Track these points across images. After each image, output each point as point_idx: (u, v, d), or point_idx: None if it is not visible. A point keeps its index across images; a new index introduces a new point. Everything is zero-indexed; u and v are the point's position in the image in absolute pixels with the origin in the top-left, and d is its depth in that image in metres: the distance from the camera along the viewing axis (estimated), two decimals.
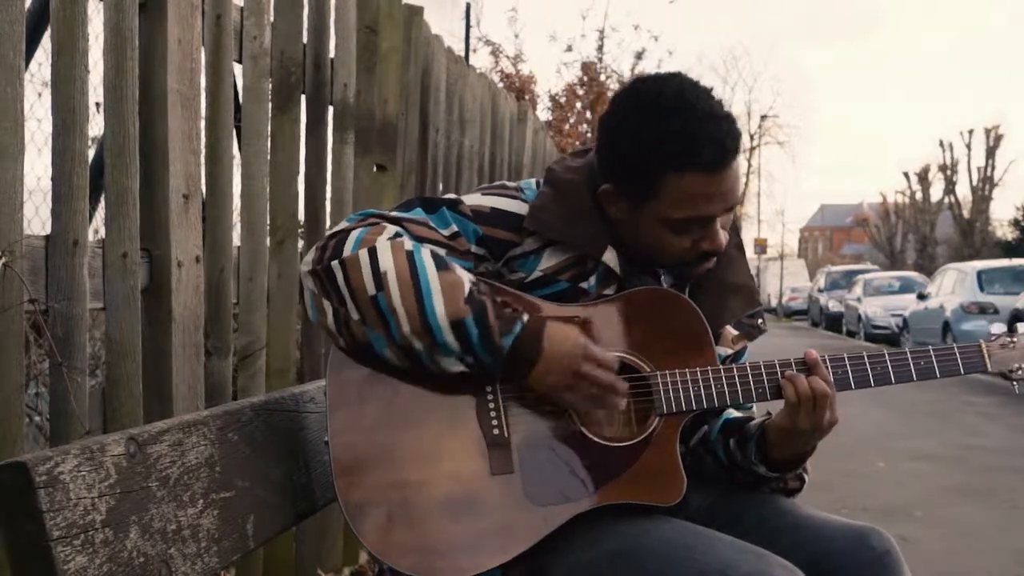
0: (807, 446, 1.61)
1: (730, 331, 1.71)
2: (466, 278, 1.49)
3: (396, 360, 1.47)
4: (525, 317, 1.47)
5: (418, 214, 1.59)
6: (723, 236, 1.57)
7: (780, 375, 1.59)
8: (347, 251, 1.48)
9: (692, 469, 1.72)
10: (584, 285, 1.61)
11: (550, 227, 1.60)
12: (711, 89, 1.55)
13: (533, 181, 1.68)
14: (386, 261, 1.46)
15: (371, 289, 1.45)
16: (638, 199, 1.56)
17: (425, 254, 1.49)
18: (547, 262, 1.61)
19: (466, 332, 1.44)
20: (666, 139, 1.50)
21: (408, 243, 1.50)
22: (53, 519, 1.02)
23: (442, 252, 1.55)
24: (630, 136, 1.54)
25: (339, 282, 1.47)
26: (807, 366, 1.59)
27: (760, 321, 1.77)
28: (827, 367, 1.59)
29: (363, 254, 1.47)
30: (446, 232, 1.58)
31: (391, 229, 1.53)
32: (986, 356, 1.64)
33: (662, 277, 1.67)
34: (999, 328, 1.74)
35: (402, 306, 1.44)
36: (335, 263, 1.48)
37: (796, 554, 1.46)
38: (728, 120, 1.53)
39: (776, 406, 1.65)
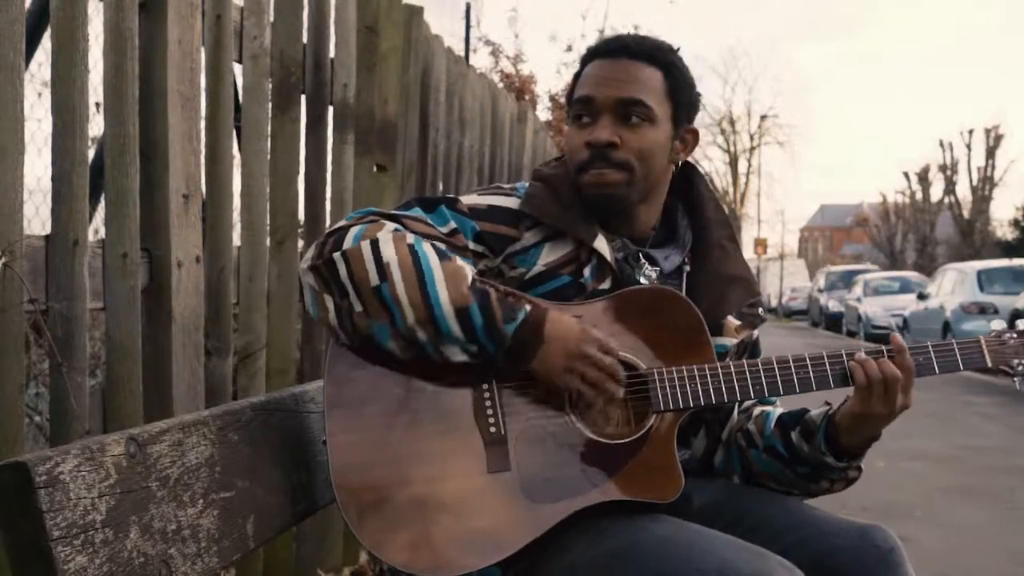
0: (877, 431, 1.61)
1: (732, 322, 1.72)
2: (468, 267, 1.51)
3: (399, 351, 1.48)
4: (527, 306, 1.49)
5: (416, 212, 1.60)
6: (609, 133, 1.62)
7: (789, 371, 1.59)
8: (348, 244, 1.49)
9: (713, 469, 1.74)
10: (581, 279, 1.62)
11: (543, 211, 1.62)
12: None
13: (527, 183, 1.70)
14: (388, 252, 1.47)
15: (374, 280, 1.46)
16: (568, 108, 1.73)
17: (426, 245, 1.50)
18: (548, 256, 1.62)
19: (471, 320, 1.45)
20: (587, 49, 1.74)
21: (409, 236, 1.51)
22: (53, 519, 1.02)
23: (442, 246, 1.56)
24: None
25: (341, 275, 1.47)
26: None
27: (760, 310, 1.79)
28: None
29: (365, 246, 1.48)
30: (444, 229, 1.59)
31: (390, 225, 1.54)
32: (985, 352, 1.63)
33: (646, 267, 1.68)
34: (999, 324, 1.73)
35: (406, 295, 1.45)
36: (337, 255, 1.48)
37: (800, 552, 1.46)
38: (639, 35, 1.70)
39: (792, 402, 1.65)
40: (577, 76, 1.72)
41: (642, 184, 1.65)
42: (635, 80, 1.64)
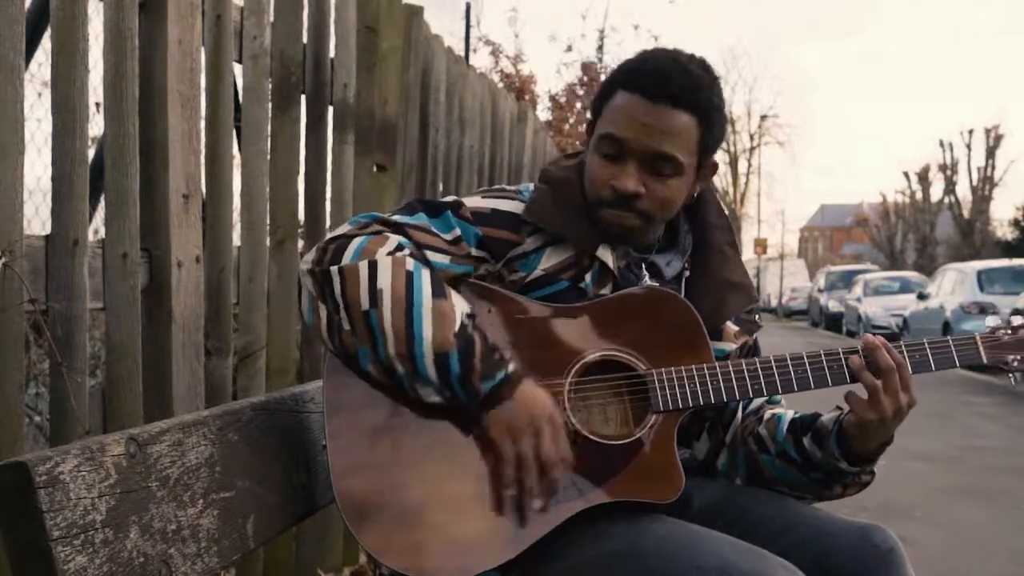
0: (889, 433, 1.59)
1: (731, 327, 1.72)
2: (460, 311, 1.47)
3: (378, 377, 1.47)
4: (510, 368, 1.46)
5: (421, 219, 1.59)
6: (635, 183, 1.57)
7: (787, 370, 1.59)
8: (347, 259, 1.48)
9: (753, 476, 1.72)
10: (581, 284, 1.62)
11: (546, 219, 1.62)
12: (701, 59, 1.63)
13: (531, 184, 1.70)
14: (384, 278, 1.46)
15: (365, 304, 1.45)
16: (594, 122, 1.66)
17: (424, 277, 1.48)
18: (548, 261, 1.62)
19: (447, 367, 1.43)
20: (627, 63, 1.64)
21: (409, 262, 1.49)
22: (53, 519, 1.02)
23: (446, 260, 1.56)
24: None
25: (336, 290, 1.47)
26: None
27: (757, 317, 1.79)
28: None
29: (363, 266, 1.47)
30: (448, 236, 1.58)
31: (393, 240, 1.53)
32: (981, 348, 1.63)
33: (647, 279, 1.68)
34: (994, 321, 1.72)
35: (391, 327, 1.43)
36: (334, 269, 1.48)
37: (799, 552, 1.46)
38: (685, 70, 1.57)
39: (800, 404, 1.64)
40: (607, 94, 1.62)
41: (659, 225, 1.67)
42: (670, 133, 1.56)
